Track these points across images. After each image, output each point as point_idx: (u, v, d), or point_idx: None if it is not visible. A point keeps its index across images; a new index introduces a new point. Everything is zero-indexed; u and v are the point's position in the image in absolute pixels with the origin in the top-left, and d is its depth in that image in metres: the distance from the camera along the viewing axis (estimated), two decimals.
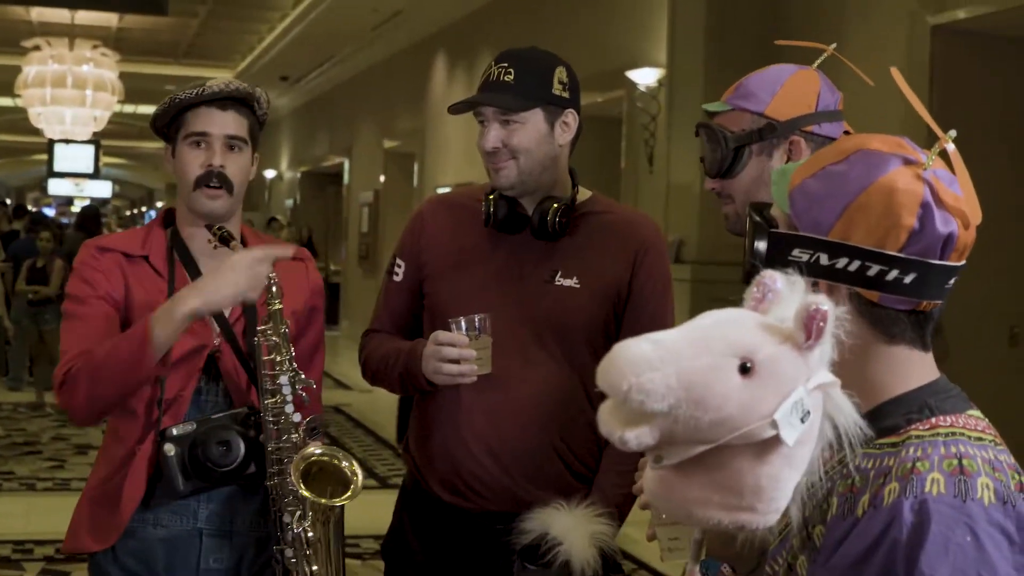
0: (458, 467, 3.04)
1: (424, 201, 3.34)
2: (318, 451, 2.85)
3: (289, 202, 23.58)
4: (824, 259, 1.63)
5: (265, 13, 16.30)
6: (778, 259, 1.67)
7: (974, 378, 7.20)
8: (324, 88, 20.92)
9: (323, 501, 2.82)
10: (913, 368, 1.67)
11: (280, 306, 2.87)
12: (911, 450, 1.58)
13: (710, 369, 1.42)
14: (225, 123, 2.99)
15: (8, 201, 31.02)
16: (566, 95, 3.05)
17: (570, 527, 2.28)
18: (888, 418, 1.64)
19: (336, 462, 2.87)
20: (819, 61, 2.56)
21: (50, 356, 12.43)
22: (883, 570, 1.51)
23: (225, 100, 3.00)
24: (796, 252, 1.65)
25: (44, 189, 34.93)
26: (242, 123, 3.02)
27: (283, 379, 2.87)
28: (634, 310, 3.05)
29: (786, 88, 2.49)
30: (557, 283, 3.03)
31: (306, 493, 2.79)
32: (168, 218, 3.10)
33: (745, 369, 1.43)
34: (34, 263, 12.81)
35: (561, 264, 3.04)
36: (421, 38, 15.19)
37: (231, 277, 2.76)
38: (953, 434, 1.60)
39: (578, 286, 3.02)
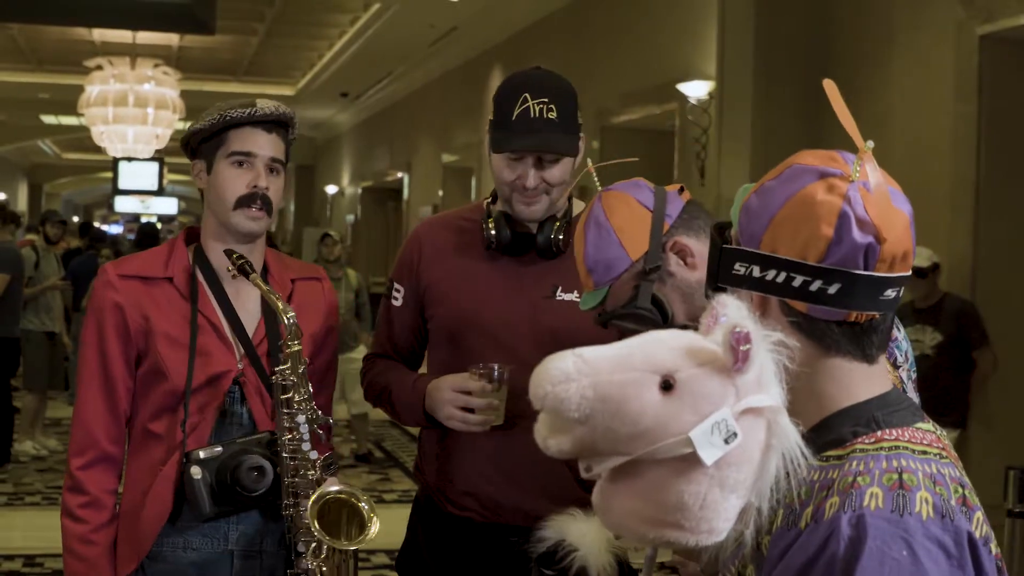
0: (469, 485, 3.05)
1: (419, 224, 3.32)
2: (334, 488, 2.88)
3: (350, 217, 23.69)
4: (756, 271, 1.66)
5: (323, 30, 16.41)
6: (724, 273, 1.70)
7: None
8: (383, 104, 21.03)
9: (338, 544, 2.86)
10: (857, 380, 1.67)
11: (299, 348, 2.88)
12: (854, 464, 1.59)
13: (628, 384, 1.48)
14: (269, 145, 2.99)
15: (76, 218, 31.37)
16: (581, 120, 3.03)
17: (586, 533, 2.32)
18: (834, 431, 1.65)
19: (354, 501, 2.90)
20: (578, 178, 2.55)
21: None
22: None
23: (271, 123, 3.00)
24: (737, 266, 1.68)
25: (111, 207, 35.28)
26: (281, 146, 3.04)
27: (300, 418, 2.89)
28: None
29: (620, 229, 2.47)
30: (558, 298, 3.03)
31: (320, 534, 2.83)
32: (190, 236, 3.10)
33: (667, 386, 1.47)
34: None
35: (561, 279, 3.03)
36: (477, 53, 15.24)
37: None
38: (896, 447, 1.60)
39: (579, 300, 3.00)
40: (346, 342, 10.56)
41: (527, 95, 2.93)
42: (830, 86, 1.72)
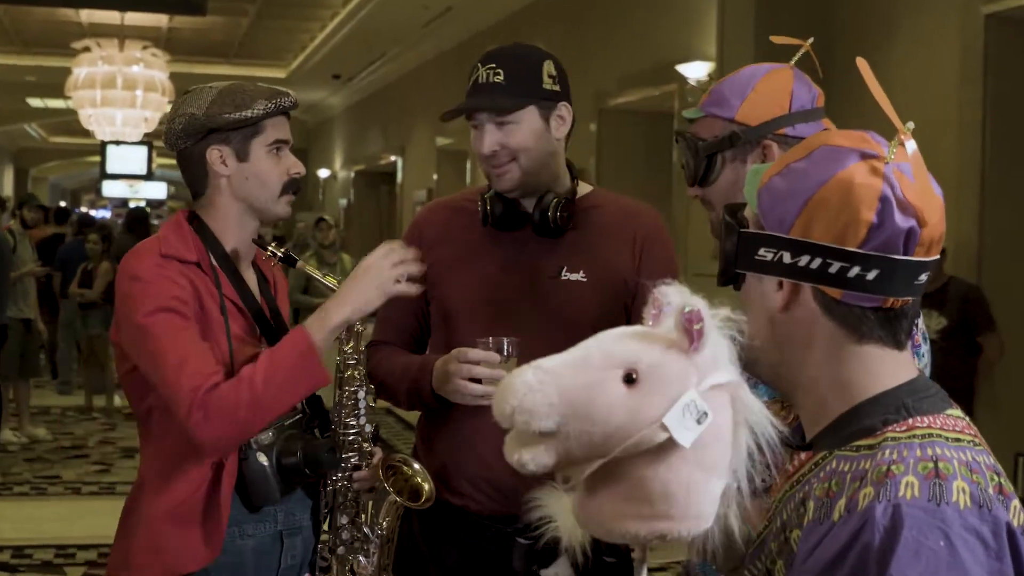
0: (467, 471, 3.06)
1: (422, 209, 3.38)
2: (418, 466, 3.04)
3: (343, 201, 23.67)
4: (787, 257, 1.63)
5: (315, 11, 16.38)
6: (745, 259, 1.69)
7: None
8: (377, 86, 21.01)
9: (399, 501, 3.00)
10: (887, 367, 1.66)
11: (362, 328, 2.99)
12: (887, 452, 1.57)
13: (592, 384, 1.50)
14: (291, 132, 3.10)
15: (63, 203, 31.32)
16: (557, 88, 3.05)
17: (566, 507, 2.36)
18: (865, 419, 1.63)
19: (409, 471, 3.05)
20: (796, 58, 2.54)
21: (99, 362, 12.56)
22: (854, 574, 1.50)
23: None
24: (762, 251, 1.66)
25: (99, 191, 35.23)
26: None
27: (360, 393, 3.01)
28: (641, 303, 3.02)
29: (757, 91, 2.48)
30: (564, 278, 3.04)
31: (396, 496, 2.99)
32: (191, 219, 3.10)
33: (630, 379, 1.50)
34: (87, 266, 12.91)
35: (566, 259, 3.06)
36: (472, 35, 15.23)
37: (374, 281, 2.88)
38: (930, 435, 1.59)
39: (585, 280, 3.04)
40: None
41: (479, 64, 3.04)
42: (863, 65, 1.71)
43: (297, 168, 3.06)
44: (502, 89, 2.98)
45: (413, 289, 2.92)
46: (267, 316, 3.07)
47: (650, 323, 1.58)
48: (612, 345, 1.54)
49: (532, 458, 1.55)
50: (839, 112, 2.56)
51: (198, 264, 2.97)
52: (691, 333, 1.48)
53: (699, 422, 1.48)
